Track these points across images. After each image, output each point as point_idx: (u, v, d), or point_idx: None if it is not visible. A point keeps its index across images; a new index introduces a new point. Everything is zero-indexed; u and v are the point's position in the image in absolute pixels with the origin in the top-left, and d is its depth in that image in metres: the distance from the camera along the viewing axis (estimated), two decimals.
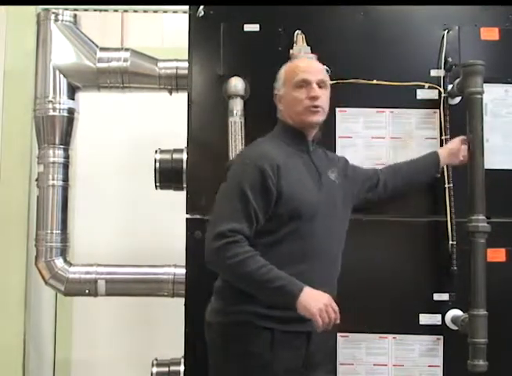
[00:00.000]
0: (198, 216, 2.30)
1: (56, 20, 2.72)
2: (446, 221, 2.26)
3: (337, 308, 1.76)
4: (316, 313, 1.70)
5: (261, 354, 1.81)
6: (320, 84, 1.92)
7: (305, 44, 2.29)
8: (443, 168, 2.27)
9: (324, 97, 1.93)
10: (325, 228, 1.88)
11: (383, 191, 2.16)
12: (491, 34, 2.34)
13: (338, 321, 1.76)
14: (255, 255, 1.76)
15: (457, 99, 2.31)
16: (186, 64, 2.40)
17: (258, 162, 1.82)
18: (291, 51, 2.28)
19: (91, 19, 3.14)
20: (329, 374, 2.04)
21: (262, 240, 1.81)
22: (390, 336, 2.29)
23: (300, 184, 1.86)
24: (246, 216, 1.78)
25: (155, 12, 3.36)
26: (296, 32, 2.30)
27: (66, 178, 2.75)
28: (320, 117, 1.93)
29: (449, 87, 2.30)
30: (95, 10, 3.17)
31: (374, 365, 2.28)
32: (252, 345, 1.81)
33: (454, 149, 2.21)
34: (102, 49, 2.74)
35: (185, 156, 2.47)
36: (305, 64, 1.97)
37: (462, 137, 2.21)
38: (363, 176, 2.16)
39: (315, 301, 1.71)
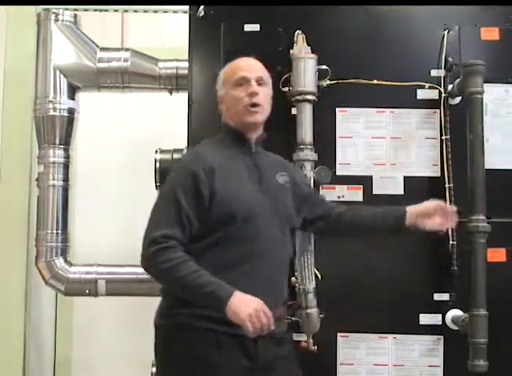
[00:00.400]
0: None
1: (57, 20, 2.72)
2: None
3: (269, 313, 1.67)
4: (245, 319, 1.63)
5: (204, 356, 1.76)
6: (259, 82, 1.88)
7: (305, 44, 2.29)
8: (442, 170, 2.28)
9: (263, 94, 1.88)
10: (269, 229, 1.83)
11: (335, 223, 2.04)
12: (491, 33, 2.35)
13: (272, 327, 1.67)
14: (187, 261, 1.73)
15: (457, 99, 2.31)
16: (186, 64, 2.40)
17: (191, 166, 1.81)
18: (291, 51, 2.29)
19: (92, 19, 3.14)
20: None
21: (201, 243, 1.79)
22: (390, 336, 2.29)
23: (237, 186, 1.83)
24: (178, 221, 1.76)
25: (155, 12, 3.36)
26: (296, 32, 2.30)
27: (66, 178, 2.76)
28: (259, 117, 1.88)
29: (450, 87, 2.30)
30: (95, 10, 3.17)
31: (374, 365, 2.28)
32: (194, 347, 1.76)
33: (424, 212, 1.96)
34: (103, 49, 2.75)
35: None
36: (244, 63, 1.94)
37: (437, 203, 1.96)
38: (318, 200, 2.09)
39: (245, 307, 1.65)
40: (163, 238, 1.75)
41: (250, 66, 1.91)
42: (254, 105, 1.86)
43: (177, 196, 1.78)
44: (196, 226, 1.78)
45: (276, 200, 1.88)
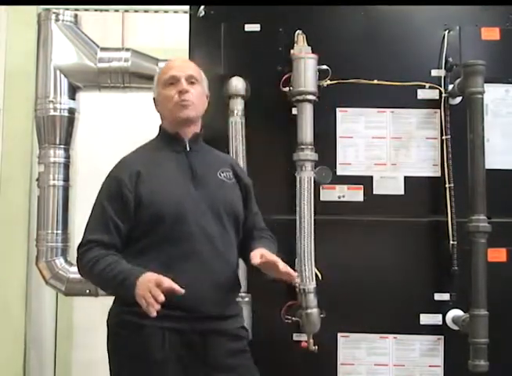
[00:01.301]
0: None
1: (57, 20, 2.72)
2: (447, 221, 2.26)
3: (164, 282, 1.62)
4: (139, 298, 1.63)
5: (146, 353, 1.75)
6: (191, 80, 1.89)
7: (305, 44, 2.29)
8: (442, 170, 2.28)
9: (195, 92, 1.89)
10: (205, 227, 1.82)
11: (245, 242, 1.95)
12: (491, 34, 2.34)
13: (161, 298, 1.61)
14: (106, 255, 1.76)
15: (458, 99, 2.31)
16: None
17: (117, 173, 1.88)
18: (292, 51, 2.29)
19: (92, 19, 3.15)
20: None
21: (138, 245, 1.81)
22: (390, 336, 2.29)
23: (165, 187, 1.83)
24: (104, 226, 1.80)
25: (156, 12, 3.37)
26: (296, 32, 2.30)
27: (66, 178, 2.76)
28: (190, 112, 1.88)
29: (450, 87, 2.30)
30: (95, 10, 3.18)
31: (375, 365, 2.28)
32: (137, 344, 1.77)
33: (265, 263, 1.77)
34: (103, 49, 2.75)
35: None
36: (176, 63, 1.95)
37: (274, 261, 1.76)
38: (250, 211, 2.00)
39: (141, 286, 1.64)
40: (88, 242, 1.82)
41: (180, 66, 1.93)
42: (184, 101, 1.86)
43: (102, 202, 1.84)
44: (124, 229, 1.81)
45: (215, 197, 1.87)
